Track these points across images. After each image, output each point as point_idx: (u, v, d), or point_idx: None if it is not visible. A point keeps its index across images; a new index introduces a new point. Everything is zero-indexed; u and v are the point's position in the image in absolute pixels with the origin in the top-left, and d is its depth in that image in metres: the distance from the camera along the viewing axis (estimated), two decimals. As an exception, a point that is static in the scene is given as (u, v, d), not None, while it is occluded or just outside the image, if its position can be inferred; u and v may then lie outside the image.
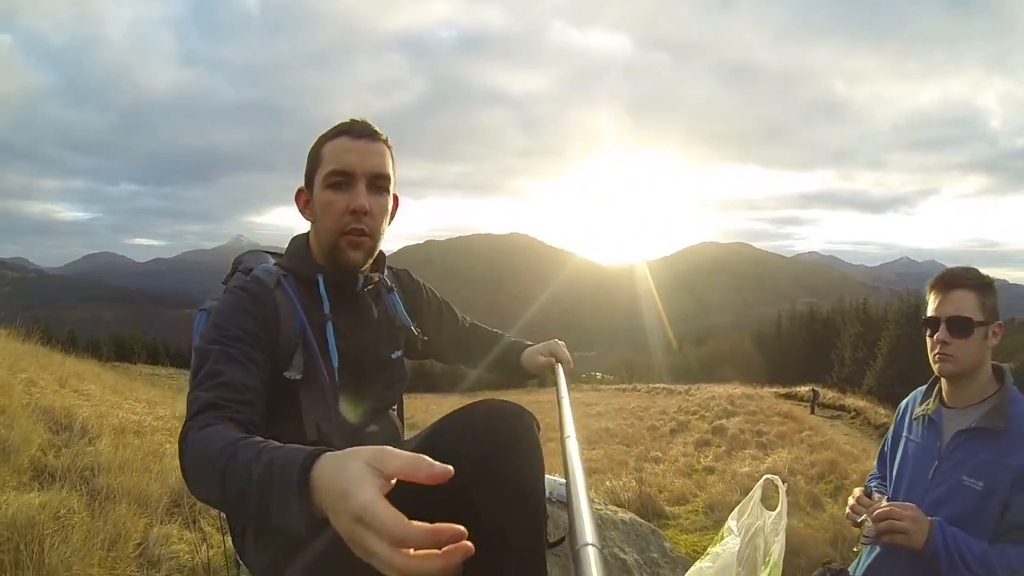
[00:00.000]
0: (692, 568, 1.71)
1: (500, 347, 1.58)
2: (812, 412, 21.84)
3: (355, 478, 0.61)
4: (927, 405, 1.72)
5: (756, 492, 1.82)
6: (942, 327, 1.60)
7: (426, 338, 1.42)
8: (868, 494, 1.60)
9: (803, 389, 27.71)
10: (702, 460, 11.55)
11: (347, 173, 1.17)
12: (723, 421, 17.28)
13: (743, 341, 64.42)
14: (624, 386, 44.73)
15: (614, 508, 2.26)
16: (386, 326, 1.31)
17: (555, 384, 1.30)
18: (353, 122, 1.21)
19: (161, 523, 3.48)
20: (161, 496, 3.77)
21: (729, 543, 1.69)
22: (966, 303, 1.58)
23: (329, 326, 1.18)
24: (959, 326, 1.57)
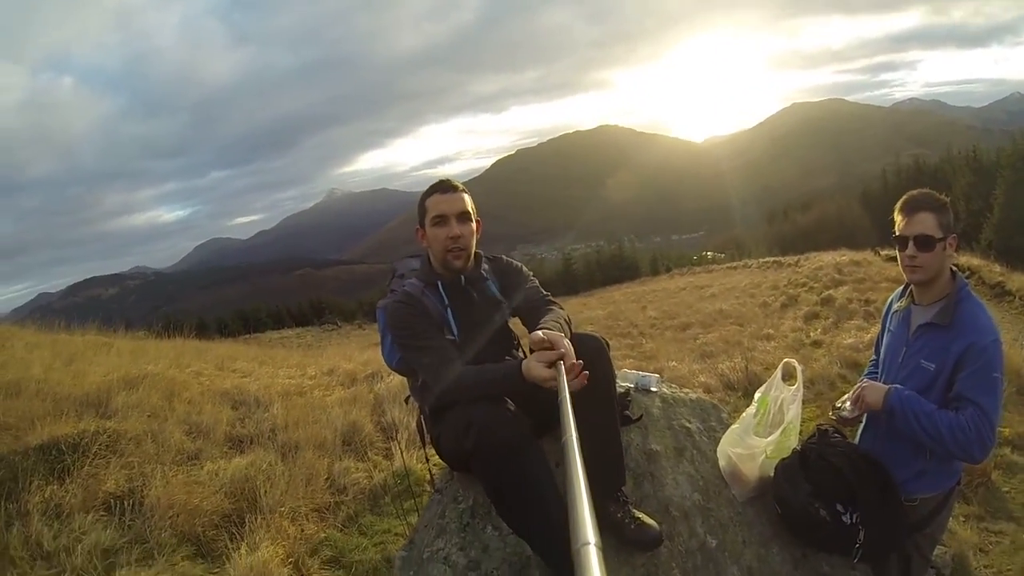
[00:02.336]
0: (728, 430, 2.30)
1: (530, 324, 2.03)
2: None
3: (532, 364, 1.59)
4: (902, 303, 2.14)
5: (778, 372, 2.29)
6: (910, 244, 1.95)
7: (510, 308, 2.06)
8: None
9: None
10: (811, 334, 11.43)
11: (443, 216, 1.92)
12: (831, 291, 16.64)
13: (849, 203, 59.19)
14: (735, 263, 43.17)
15: (687, 390, 2.78)
16: (486, 304, 2.02)
17: (557, 385, 1.40)
18: (441, 182, 1.98)
19: (339, 460, 4.44)
20: (334, 439, 4.74)
21: (751, 410, 2.25)
22: (928, 223, 1.93)
23: (448, 311, 1.95)
24: (923, 243, 1.93)
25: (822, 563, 1.96)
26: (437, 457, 2.14)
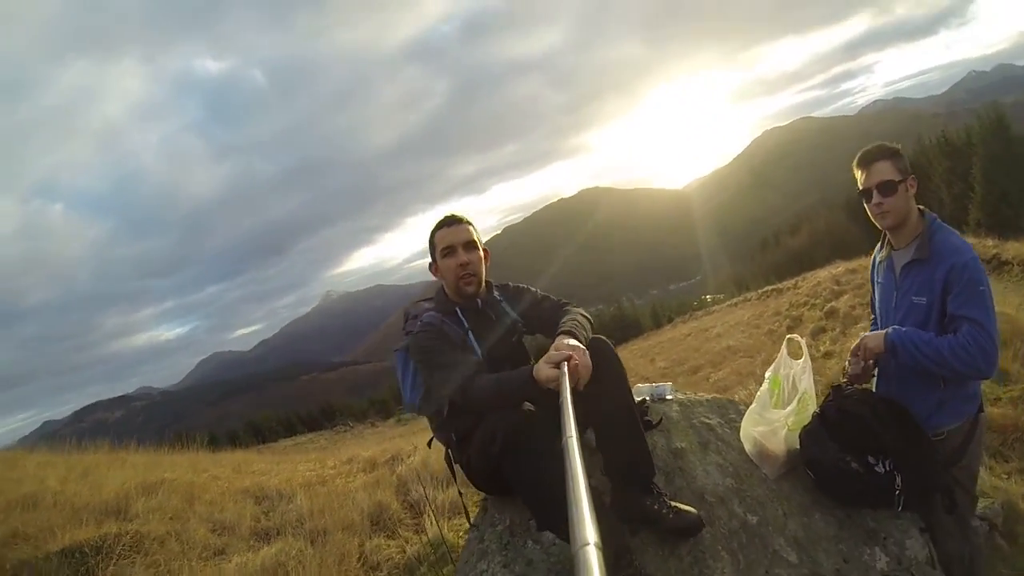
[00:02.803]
0: (745, 414, 2.36)
1: (551, 327, 2.12)
2: None
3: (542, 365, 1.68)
4: (883, 253, 2.20)
5: (783, 349, 2.34)
6: (874, 193, 2.08)
7: (524, 326, 2.19)
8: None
9: None
10: (820, 348, 11.38)
11: (451, 247, 2.07)
12: (833, 303, 16.73)
13: (836, 216, 60.40)
14: (736, 300, 43.40)
15: (701, 393, 2.82)
16: (503, 324, 2.14)
17: (560, 385, 1.44)
18: (446, 217, 2.12)
19: (369, 539, 4.33)
20: (362, 520, 4.64)
21: (765, 387, 2.29)
22: (885, 170, 2.06)
23: (470, 334, 2.06)
24: (885, 188, 2.05)
25: (867, 519, 1.91)
26: (472, 490, 2.18)
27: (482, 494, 2.31)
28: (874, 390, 2.17)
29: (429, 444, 2.54)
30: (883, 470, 1.86)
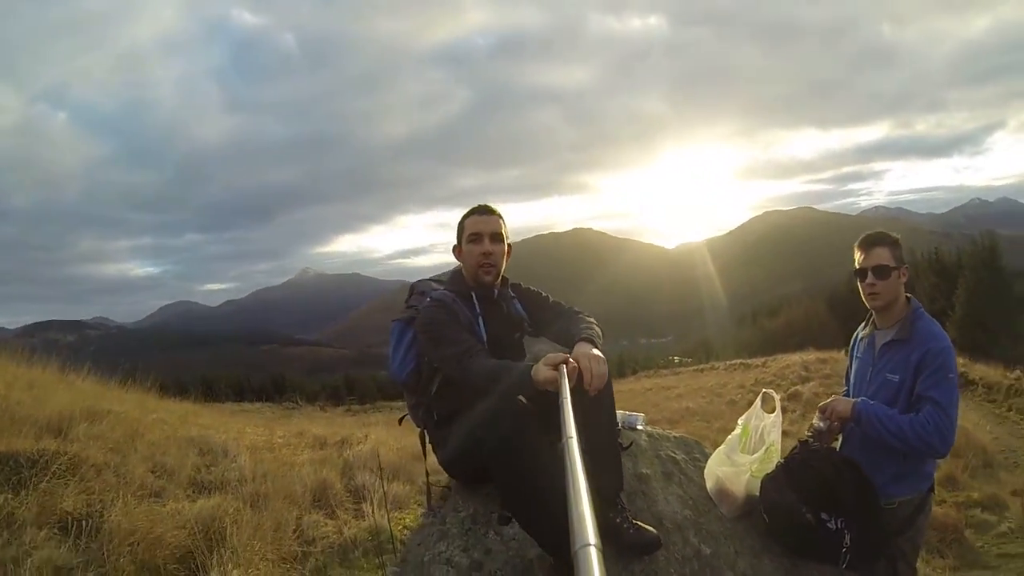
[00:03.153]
0: (714, 452, 2.45)
1: (567, 335, 2.13)
2: None
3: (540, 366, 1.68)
4: (866, 330, 2.37)
5: (757, 401, 2.44)
6: (869, 274, 2.25)
7: (530, 326, 2.23)
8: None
9: None
10: None
11: (478, 234, 2.10)
12: (798, 387, 17.03)
13: (816, 307, 61.59)
14: (703, 366, 43.91)
15: (669, 431, 2.88)
16: (511, 320, 2.20)
17: (559, 386, 1.46)
18: (480, 205, 2.16)
19: (308, 513, 4.26)
20: (304, 493, 4.56)
21: (737, 432, 2.39)
22: (883, 255, 2.24)
23: (480, 319, 2.09)
24: (880, 272, 2.23)
25: (812, 572, 1.97)
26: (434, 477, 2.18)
27: (446, 482, 2.31)
28: (837, 450, 2.26)
29: (400, 421, 2.54)
30: (834, 527, 1.93)
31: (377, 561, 3.70)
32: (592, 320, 2.09)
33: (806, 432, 2.29)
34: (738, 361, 37.11)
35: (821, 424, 2.19)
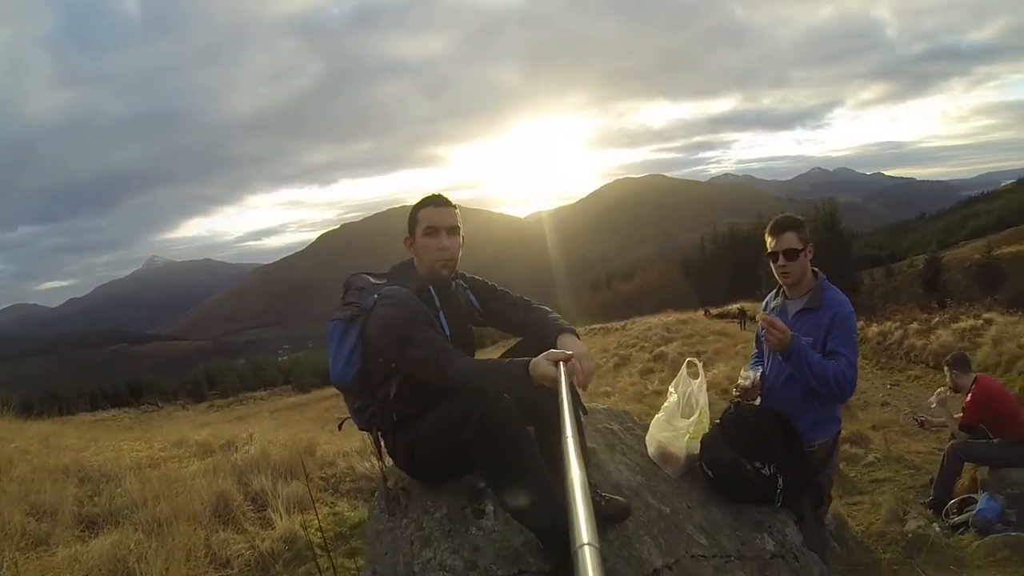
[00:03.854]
0: (652, 421, 2.67)
1: (533, 326, 2.16)
2: (743, 327, 23.47)
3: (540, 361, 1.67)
4: (778, 301, 2.74)
5: (683, 370, 2.70)
6: (781, 257, 2.56)
7: (482, 316, 2.21)
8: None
9: (733, 307, 29.63)
10: (649, 386, 12.42)
11: (435, 228, 2.02)
12: (663, 348, 18.26)
13: (670, 270, 66.14)
14: None
15: (598, 404, 3.14)
16: (467, 310, 2.17)
17: (559, 384, 1.45)
18: (435, 196, 2.07)
19: (215, 532, 3.94)
20: (204, 510, 4.19)
21: (671, 400, 2.62)
22: (792, 240, 2.54)
23: (441, 313, 2.03)
24: (791, 255, 2.54)
25: (754, 512, 2.28)
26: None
27: (402, 483, 2.20)
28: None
29: (340, 426, 2.42)
30: (768, 473, 2.25)
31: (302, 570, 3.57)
32: (552, 311, 2.12)
33: (733, 391, 2.59)
34: (598, 325, 38.35)
35: (747, 382, 2.48)
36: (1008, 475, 4.14)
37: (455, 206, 2.10)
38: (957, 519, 4.12)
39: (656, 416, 2.68)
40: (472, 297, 2.19)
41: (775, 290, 2.80)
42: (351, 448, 5.38)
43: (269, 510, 4.38)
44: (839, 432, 2.61)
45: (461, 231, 2.11)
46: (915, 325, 13.62)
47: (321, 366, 53.56)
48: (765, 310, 2.80)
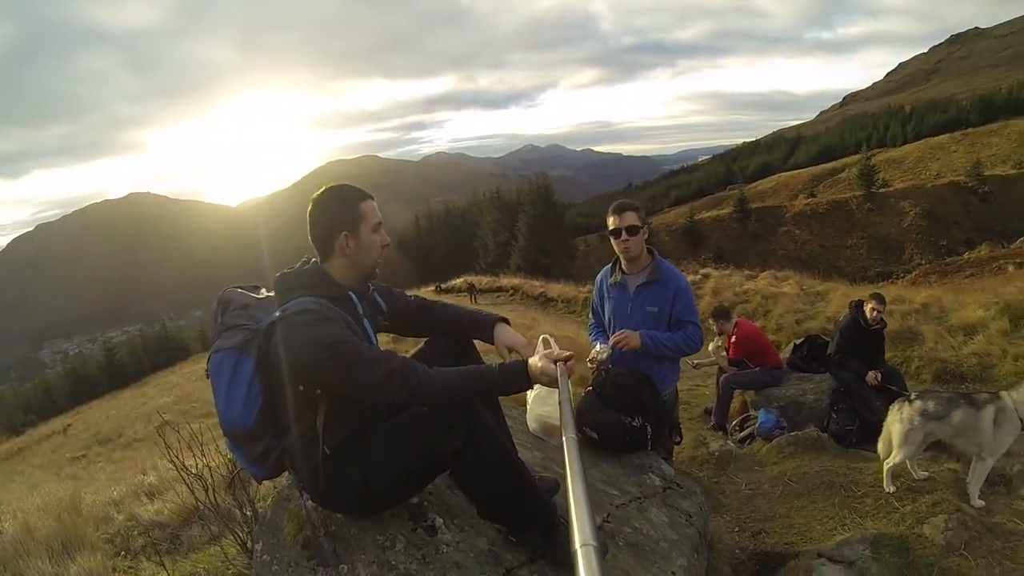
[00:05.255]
0: (530, 401, 2.87)
1: (448, 323, 2.13)
2: (474, 301, 24.98)
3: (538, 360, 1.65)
4: (616, 276, 3.06)
5: (540, 346, 2.97)
6: (624, 233, 2.87)
7: (387, 321, 2.06)
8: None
9: (459, 281, 31.10)
10: None
11: (381, 223, 1.85)
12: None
13: (389, 252, 67.45)
14: None
15: None
16: (377, 312, 2.01)
17: (559, 384, 1.47)
18: (363, 189, 1.87)
19: None
20: None
21: None
22: (633, 218, 2.87)
23: (365, 321, 1.86)
24: (632, 231, 2.87)
25: (634, 459, 2.71)
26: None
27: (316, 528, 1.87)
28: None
29: (234, 479, 2.02)
30: (639, 424, 2.70)
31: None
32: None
33: (588, 363, 2.90)
34: None
35: (605, 354, 2.80)
36: (772, 393, 5.30)
37: None
38: (742, 434, 5.08)
39: (530, 396, 2.88)
40: (380, 301, 2.02)
41: (610, 266, 3.12)
42: (119, 494, 4.29)
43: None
44: (678, 378, 3.18)
45: None
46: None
47: (25, 398, 44.51)
48: (601, 287, 3.17)
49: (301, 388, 1.67)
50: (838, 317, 10.11)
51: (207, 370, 1.75)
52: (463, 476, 1.76)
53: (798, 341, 6.20)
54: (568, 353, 1.67)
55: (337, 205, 1.82)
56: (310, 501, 1.83)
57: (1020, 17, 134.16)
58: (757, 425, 5.00)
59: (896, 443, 3.03)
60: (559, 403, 1.26)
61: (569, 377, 1.65)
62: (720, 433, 5.46)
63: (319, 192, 1.87)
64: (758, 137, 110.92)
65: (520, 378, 1.67)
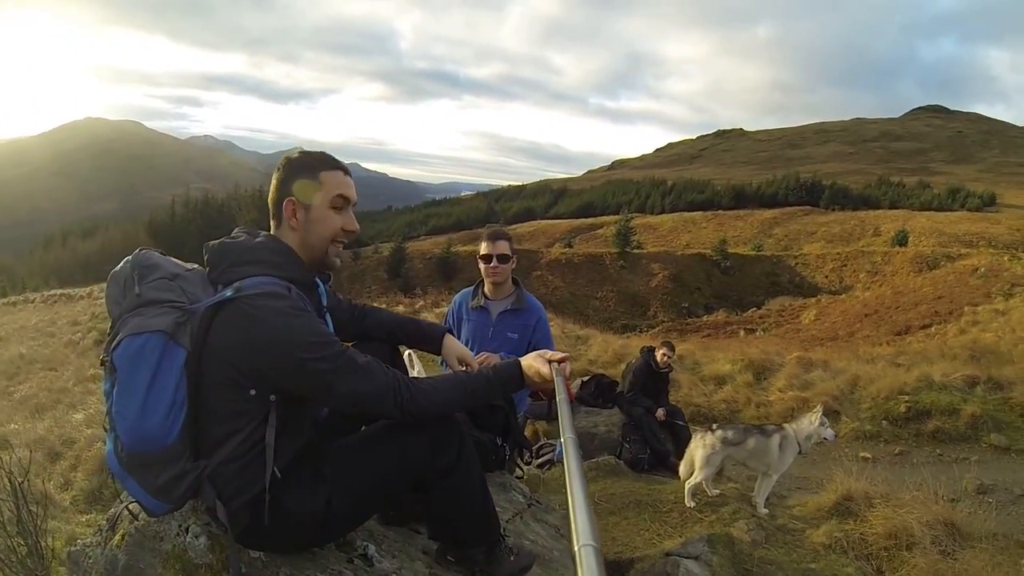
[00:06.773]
0: None
1: (383, 328, 1.93)
2: None
3: (534, 361, 1.55)
4: (478, 299, 3.12)
5: (412, 359, 2.85)
6: (495, 260, 3.00)
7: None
8: None
9: None
10: None
11: (347, 200, 1.55)
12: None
13: (137, 231, 58.33)
14: (14, 298, 35.17)
15: None
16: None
17: (555, 386, 1.43)
18: (338, 160, 1.56)
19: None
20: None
21: None
22: (505, 247, 3.01)
23: (327, 315, 1.65)
24: (503, 258, 3.01)
25: (495, 478, 2.70)
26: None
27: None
28: None
29: (137, 516, 1.54)
30: (501, 443, 2.78)
31: None
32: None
33: None
34: (59, 292, 32.83)
35: None
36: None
37: None
38: (539, 461, 5.28)
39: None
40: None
41: (472, 289, 3.18)
42: None
43: None
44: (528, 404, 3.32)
45: None
46: (401, 308, 16.85)
47: None
48: (460, 309, 3.20)
49: (253, 392, 1.33)
50: (600, 359, 11.75)
51: (108, 359, 1.30)
52: (446, 492, 1.59)
53: (585, 379, 7.07)
54: (563, 354, 1.60)
55: (297, 166, 1.53)
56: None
57: (778, 128, 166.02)
58: (556, 452, 5.35)
59: (699, 465, 3.61)
60: (558, 403, 1.23)
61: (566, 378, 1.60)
62: (520, 459, 5.93)
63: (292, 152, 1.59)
64: (525, 183, 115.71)
65: (516, 381, 1.56)
